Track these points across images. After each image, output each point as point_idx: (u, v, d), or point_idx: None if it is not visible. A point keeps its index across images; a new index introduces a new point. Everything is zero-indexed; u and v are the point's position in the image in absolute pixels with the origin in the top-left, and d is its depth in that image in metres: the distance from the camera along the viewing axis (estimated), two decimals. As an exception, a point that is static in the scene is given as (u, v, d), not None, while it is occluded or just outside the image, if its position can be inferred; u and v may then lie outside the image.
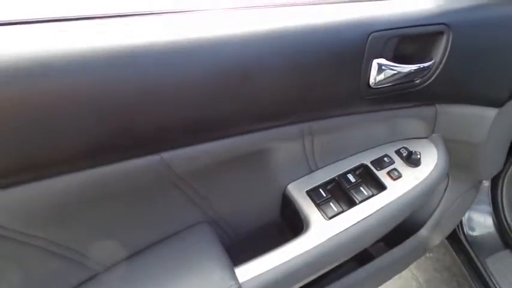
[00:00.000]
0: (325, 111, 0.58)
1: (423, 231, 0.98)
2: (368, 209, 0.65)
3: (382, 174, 0.70)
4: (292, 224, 0.69)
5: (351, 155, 0.73)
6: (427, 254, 1.79)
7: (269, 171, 0.66)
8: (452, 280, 1.65)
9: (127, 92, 0.41)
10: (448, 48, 0.61)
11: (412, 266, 1.74)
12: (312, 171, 0.70)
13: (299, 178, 0.69)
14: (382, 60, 0.56)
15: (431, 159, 0.73)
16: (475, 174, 0.93)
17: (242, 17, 0.48)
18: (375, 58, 0.55)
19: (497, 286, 1.20)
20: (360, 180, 0.69)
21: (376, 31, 0.54)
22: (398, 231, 1.00)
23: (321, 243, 0.60)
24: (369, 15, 0.54)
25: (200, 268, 0.56)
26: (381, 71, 0.57)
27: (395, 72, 0.58)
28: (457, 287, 1.62)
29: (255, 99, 0.49)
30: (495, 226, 1.33)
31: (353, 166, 0.71)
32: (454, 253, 1.38)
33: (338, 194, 0.68)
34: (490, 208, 1.35)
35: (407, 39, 0.59)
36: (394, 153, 0.74)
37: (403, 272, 1.73)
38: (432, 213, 0.98)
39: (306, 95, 0.54)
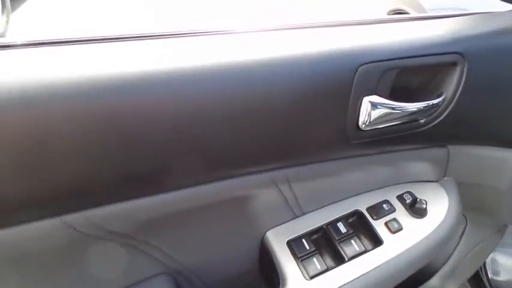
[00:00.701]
0: (301, 158, 0.49)
1: (434, 281, 0.86)
2: (358, 269, 0.55)
3: (378, 225, 0.59)
4: (269, 278, 0.60)
5: (344, 199, 0.63)
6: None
7: (243, 217, 0.57)
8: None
9: (45, 140, 0.33)
10: (462, 81, 0.50)
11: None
12: (296, 217, 0.61)
13: (280, 224, 0.60)
14: (375, 98, 0.46)
15: (440, 209, 0.61)
16: (499, 219, 0.80)
17: (192, 44, 0.40)
18: (365, 95, 0.46)
19: None
20: (351, 231, 0.59)
21: (367, 63, 0.44)
22: (405, 280, 0.88)
23: None
24: (357, 44, 0.44)
25: None
26: (374, 111, 0.47)
27: (394, 112, 0.48)
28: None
29: (202, 147, 0.41)
30: (523, 270, 1.18)
31: (345, 213, 0.61)
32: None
33: (324, 246, 0.58)
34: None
35: (410, 72, 0.49)
36: (396, 199, 0.63)
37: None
38: (446, 261, 0.85)
39: (273, 139, 0.45)
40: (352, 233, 0.58)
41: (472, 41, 0.50)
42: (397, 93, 0.49)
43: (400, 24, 0.50)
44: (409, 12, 1.72)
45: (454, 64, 0.50)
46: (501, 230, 0.91)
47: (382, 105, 0.47)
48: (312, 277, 0.54)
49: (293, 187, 0.55)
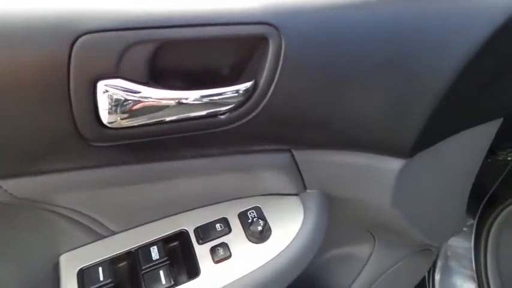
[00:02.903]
0: (22, 166, 0.36)
1: None
2: None
3: (202, 251, 0.46)
4: None
5: (174, 215, 0.50)
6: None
7: (33, 234, 0.45)
8: None
9: None
10: (280, 62, 0.36)
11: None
12: (102, 237, 0.48)
13: (79, 247, 0.47)
14: (120, 83, 0.33)
15: (290, 230, 0.48)
16: (410, 240, 0.65)
17: None
18: (102, 79, 0.32)
19: None
20: (165, 259, 0.45)
21: (91, 32, 0.30)
22: None
23: None
24: (78, 6, 0.31)
25: None
26: (124, 100, 0.33)
27: (163, 103, 0.35)
28: None
29: None
30: (476, 293, 1.02)
31: (165, 234, 0.48)
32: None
33: (125, 277, 0.46)
34: (472, 267, 1.03)
35: (192, 48, 0.35)
36: (237, 218, 0.49)
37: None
38: (351, 283, 0.71)
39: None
40: (165, 261, 0.45)
41: (289, 8, 0.35)
42: (181, 77, 0.36)
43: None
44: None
45: (263, 39, 0.36)
46: (429, 251, 0.76)
47: (136, 93, 0.33)
48: None
49: (76, 200, 0.42)
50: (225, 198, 0.50)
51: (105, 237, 0.48)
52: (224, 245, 0.46)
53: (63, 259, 0.46)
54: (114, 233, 0.48)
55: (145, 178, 0.42)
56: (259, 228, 0.45)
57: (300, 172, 0.48)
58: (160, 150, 0.39)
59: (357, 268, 0.70)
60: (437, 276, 1.05)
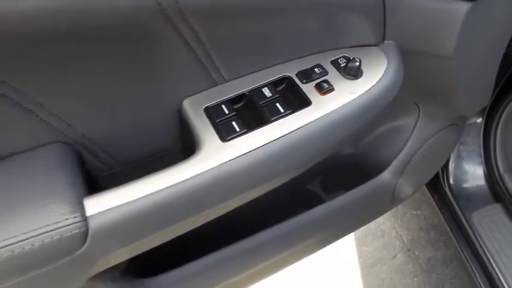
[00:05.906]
0: None
1: (385, 175, 0.82)
2: (282, 129, 0.49)
3: (308, 88, 0.54)
4: (189, 150, 0.54)
5: (272, 66, 0.56)
6: (414, 212, 1.65)
7: (155, 85, 0.50)
8: (439, 240, 1.51)
9: None
10: None
11: (396, 224, 1.60)
12: (216, 85, 0.54)
13: (199, 92, 0.54)
14: None
15: (377, 70, 0.56)
16: (451, 108, 0.75)
17: None
18: None
19: (482, 244, 1.05)
20: (277, 95, 0.53)
21: None
22: (356, 176, 0.84)
23: (207, 171, 0.46)
24: None
25: (31, 197, 0.42)
26: None
27: None
28: (444, 248, 1.48)
29: None
30: (485, 176, 1.17)
31: (272, 79, 0.55)
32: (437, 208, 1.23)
33: (246, 111, 0.53)
34: (481, 155, 1.17)
35: None
36: (330, 64, 0.57)
37: (386, 230, 1.60)
38: (398, 153, 0.82)
39: None
40: (278, 97, 0.53)
41: None
42: None
43: None
44: None
45: None
46: (458, 125, 0.86)
47: None
48: (229, 139, 0.48)
49: (210, 53, 0.48)
50: (312, 51, 0.57)
51: (219, 84, 0.54)
52: (327, 81, 0.54)
53: (187, 102, 0.53)
54: (226, 81, 0.54)
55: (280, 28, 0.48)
56: (356, 64, 0.53)
57: (384, 18, 0.55)
58: None
59: (403, 140, 0.80)
60: (451, 167, 1.18)
